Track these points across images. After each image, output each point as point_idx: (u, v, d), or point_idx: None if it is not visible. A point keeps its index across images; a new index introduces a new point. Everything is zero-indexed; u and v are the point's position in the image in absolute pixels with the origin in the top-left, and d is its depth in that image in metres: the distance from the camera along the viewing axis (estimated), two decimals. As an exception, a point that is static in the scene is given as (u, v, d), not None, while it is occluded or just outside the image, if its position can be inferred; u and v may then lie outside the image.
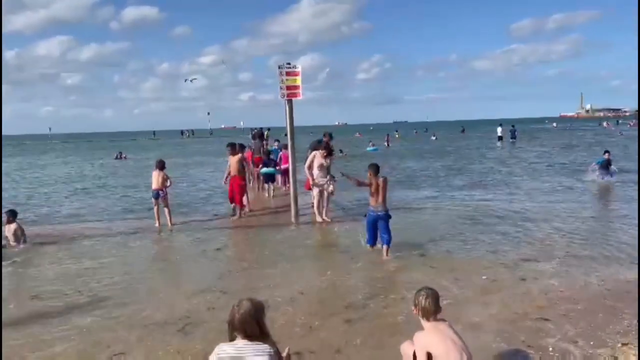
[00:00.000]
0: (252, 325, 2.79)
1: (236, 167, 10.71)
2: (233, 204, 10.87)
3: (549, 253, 7.32)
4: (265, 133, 20.01)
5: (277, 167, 14.06)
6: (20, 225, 8.94)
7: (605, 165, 14.83)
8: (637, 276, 5.96)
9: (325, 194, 9.99)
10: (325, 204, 10.12)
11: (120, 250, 8.53)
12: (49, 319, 5.41)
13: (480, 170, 19.13)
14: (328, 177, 9.86)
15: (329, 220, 9.98)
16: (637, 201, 10.78)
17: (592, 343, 4.37)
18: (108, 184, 18.71)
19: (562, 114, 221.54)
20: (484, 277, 6.30)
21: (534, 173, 17.61)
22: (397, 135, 57.18)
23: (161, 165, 10.21)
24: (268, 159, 13.79)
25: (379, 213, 7.29)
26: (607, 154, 15.25)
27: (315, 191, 9.92)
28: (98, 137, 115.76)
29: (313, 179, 9.77)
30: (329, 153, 10.13)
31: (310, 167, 9.82)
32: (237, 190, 10.68)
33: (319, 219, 9.98)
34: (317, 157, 9.82)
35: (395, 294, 5.83)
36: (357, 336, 4.67)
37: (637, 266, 6.40)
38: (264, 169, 13.62)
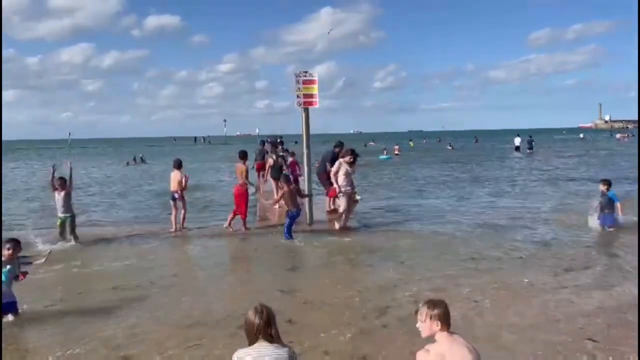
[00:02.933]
0: (271, 329, 3.00)
1: (246, 175, 10.28)
2: (235, 216, 10.10)
3: (574, 266, 7.23)
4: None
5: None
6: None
7: (609, 203, 9.32)
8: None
9: (351, 202, 9.95)
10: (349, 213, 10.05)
11: (152, 252, 8.75)
12: (117, 311, 5.69)
13: (505, 180, 19.12)
14: (353, 185, 9.95)
15: (347, 228, 9.89)
16: None
17: (610, 358, 4.31)
18: (132, 188, 19.00)
19: (580, 124, 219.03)
20: (525, 280, 6.48)
21: (559, 184, 17.52)
22: (411, 144, 57.13)
23: (178, 165, 10.25)
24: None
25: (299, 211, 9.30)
26: (603, 185, 9.48)
27: (342, 200, 9.81)
28: (117, 142, 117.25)
29: (340, 187, 9.70)
30: (354, 160, 10.09)
31: (336, 175, 9.74)
32: (246, 199, 10.10)
33: (340, 225, 9.87)
34: (343, 165, 9.78)
35: (450, 300, 5.85)
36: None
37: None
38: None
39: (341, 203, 9.89)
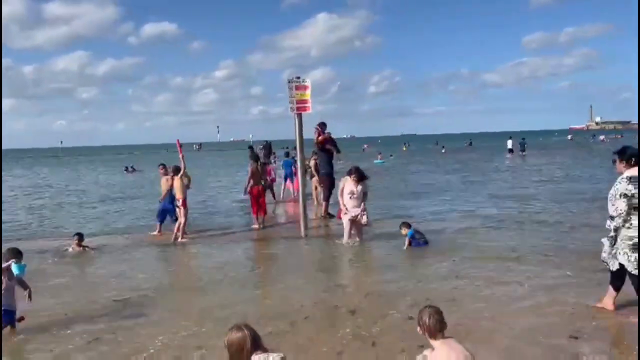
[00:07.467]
0: (261, 340, 2.91)
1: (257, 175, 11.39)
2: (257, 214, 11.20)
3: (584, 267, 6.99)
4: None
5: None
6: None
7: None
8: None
9: (357, 223, 9.11)
10: (357, 233, 9.19)
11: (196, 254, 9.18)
12: (186, 307, 6.03)
13: (505, 181, 19.15)
14: (362, 207, 8.99)
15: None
16: None
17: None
18: (129, 197, 18.69)
19: (571, 126, 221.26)
20: (568, 272, 6.63)
21: (557, 182, 17.60)
22: (404, 149, 57.34)
23: (178, 170, 10.03)
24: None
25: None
26: (403, 228, 8.69)
27: (345, 219, 9.10)
28: (111, 150, 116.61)
29: (345, 208, 8.98)
30: (361, 178, 9.03)
31: (342, 193, 9.09)
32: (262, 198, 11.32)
33: (344, 242, 9.13)
34: (347, 183, 9.07)
35: (472, 301, 5.81)
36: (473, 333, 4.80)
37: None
38: None
39: (345, 223, 9.18)
